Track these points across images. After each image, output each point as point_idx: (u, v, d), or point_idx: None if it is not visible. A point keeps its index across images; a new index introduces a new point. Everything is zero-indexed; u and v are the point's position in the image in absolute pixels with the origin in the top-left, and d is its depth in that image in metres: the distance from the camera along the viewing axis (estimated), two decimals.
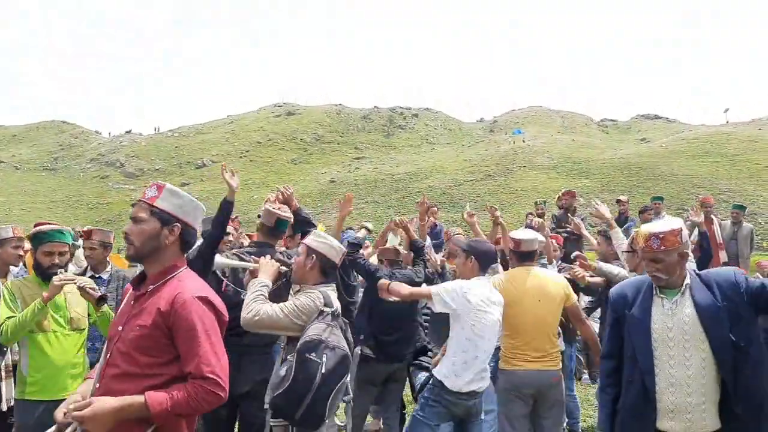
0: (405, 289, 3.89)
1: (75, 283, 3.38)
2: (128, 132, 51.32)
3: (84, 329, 3.62)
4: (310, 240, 3.24)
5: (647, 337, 2.86)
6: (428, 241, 5.43)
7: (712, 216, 8.93)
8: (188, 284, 2.22)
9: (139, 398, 2.02)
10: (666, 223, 2.93)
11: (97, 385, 2.17)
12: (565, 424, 4.87)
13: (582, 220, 9.24)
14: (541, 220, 7.35)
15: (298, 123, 46.58)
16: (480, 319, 3.68)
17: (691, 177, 25.32)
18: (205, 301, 2.19)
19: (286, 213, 3.93)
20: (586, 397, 6.06)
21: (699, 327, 2.73)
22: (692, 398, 2.74)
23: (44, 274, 3.49)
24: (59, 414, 2.17)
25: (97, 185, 38.18)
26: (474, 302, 3.66)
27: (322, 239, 3.30)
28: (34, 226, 3.81)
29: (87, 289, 3.37)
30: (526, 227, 5.68)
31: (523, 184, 27.64)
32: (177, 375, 2.13)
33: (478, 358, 3.69)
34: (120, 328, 2.20)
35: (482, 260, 3.86)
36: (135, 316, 2.18)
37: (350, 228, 8.10)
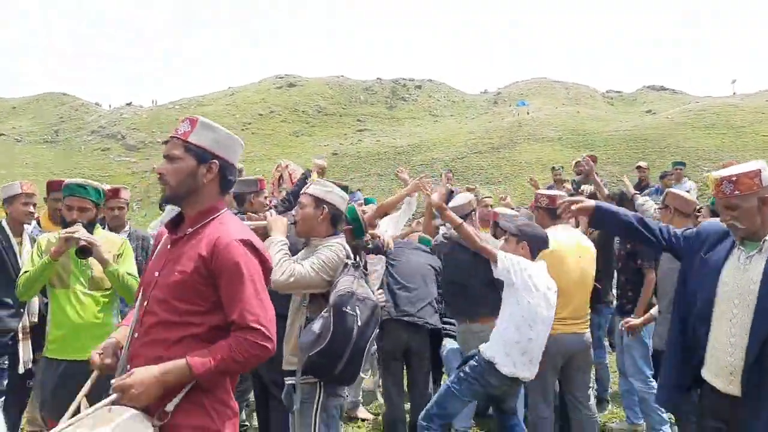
0: (478, 237, 3.80)
1: (74, 232, 3.23)
2: (129, 104, 50.87)
3: (108, 289, 3.49)
4: (316, 190, 3.06)
5: (713, 286, 2.67)
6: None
7: None
8: (231, 227, 2.07)
9: (180, 362, 1.88)
10: (742, 165, 2.66)
11: (136, 335, 2.03)
12: (593, 392, 4.84)
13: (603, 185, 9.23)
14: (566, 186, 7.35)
15: (299, 95, 46.14)
16: (540, 300, 3.56)
17: (697, 149, 25.08)
18: (249, 244, 2.05)
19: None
20: (610, 364, 5.98)
21: (759, 289, 2.51)
22: (733, 358, 2.61)
23: (66, 228, 3.38)
24: (95, 357, 2.06)
25: (98, 158, 38.04)
26: (535, 282, 3.56)
27: (329, 188, 3.14)
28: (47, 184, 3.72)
29: (80, 238, 3.19)
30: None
31: (527, 156, 27.43)
32: (220, 324, 1.99)
33: (531, 341, 3.54)
34: (156, 273, 2.06)
35: (534, 245, 3.74)
36: (173, 261, 2.05)
37: (358, 190, 8.13)
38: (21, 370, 4.00)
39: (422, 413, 3.79)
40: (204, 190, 2.10)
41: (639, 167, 10.28)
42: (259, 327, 1.96)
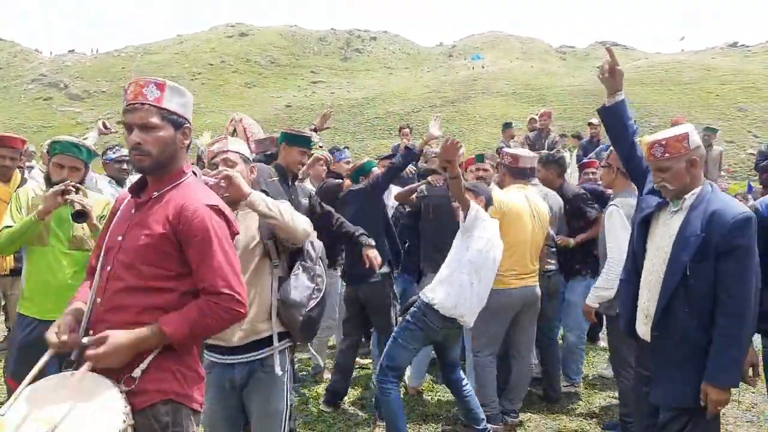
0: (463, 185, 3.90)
1: (69, 193, 3.12)
2: (71, 51, 48.52)
3: (88, 250, 3.34)
4: (242, 147, 2.90)
5: (643, 239, 2.88)
6: None
7: None
8: (197, 191, 2.07)
9: (153, 327, 1.87)
10: (671, 129, 2.79)
11: (98, 300, 1.98)
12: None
13: (555, 142, 9.25)
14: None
15: (251, 44, 44.83)
16: (489, 251, 3.73)
17: (646, 105, 25.68)
18: (217, 210, 2.05)
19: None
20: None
21: (671, 246, 2.69)
22: (648, 304, 2.82)
23: (53, 186, 3.23)
24: (51, 335, 1.97)
25: (40, 107, 36.38)
26: (489, 234, 3.75)
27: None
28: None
29: (75, 201, 3.09)
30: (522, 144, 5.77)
31: (482, 110, 27.57)
32: (189, 290, 1.98)
33: (473, 286, 3.69)
34: (120, 237, 2.01)
35: (488, 202, 4.03)
36: (138, 225, 2.01)
37: (346, 147, 8.05)
38: None
39: (377, 369, 3.92)
40: (178, 155, 2.09)
41: (590, 124, 10.44)
42: (230, 292, 1.97)
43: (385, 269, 4.60)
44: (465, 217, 3.77)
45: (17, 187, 4.40)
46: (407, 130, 9.90)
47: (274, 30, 48.08)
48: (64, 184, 3.16)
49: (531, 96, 29.02)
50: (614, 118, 3.14)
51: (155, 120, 2.00)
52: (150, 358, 1.93)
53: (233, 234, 2.11)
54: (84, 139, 4.52)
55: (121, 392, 1.87)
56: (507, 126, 10.99)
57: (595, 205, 5.22)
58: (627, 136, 3.10)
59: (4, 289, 5.16)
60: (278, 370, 2.64)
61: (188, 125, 2.11)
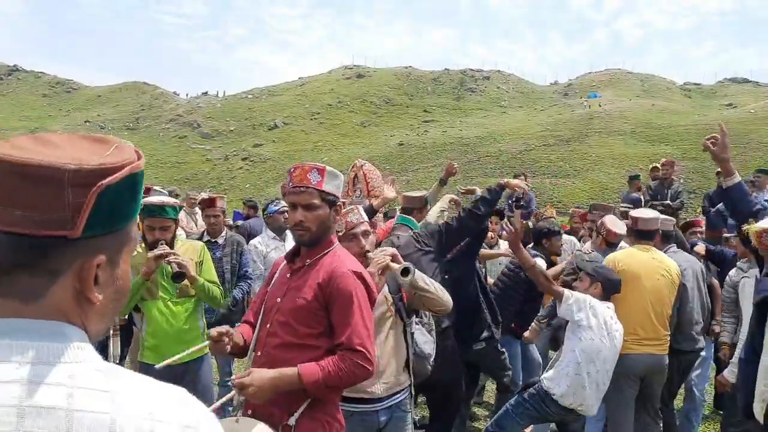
0: (547, 277, 3.93)
1: (167, 256, 3.40)
2: (204, 93, 52.74)
3: (194, 296, 3.67)
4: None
5: (761, 322, 2.88)
6: None
7: None
8: (344, 259, 2.33)
9: (292, 370, 2.11)
10: None
11: (258, 353, 2.30)
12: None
13: (678, 193, 8.69)
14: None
15: (367, 85, 46.53)
16: (602, 337, 3.66)
17: None
18: (360, 276, 2.29)
19: None
20: None
21: None
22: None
23: (150, 246, 3.55)
24: (213, 332, 2.25)
25: (175, 145, 39.55)
26: (600, 320, 3.67)
27: None
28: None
29: (172, 262, 3.38)
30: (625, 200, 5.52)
31: (598, 150, 26.69)
32: (332, 347, 2.22)
33: (590, 375, 3.66)
34: (279, 299, 2.32)
35: (607, 288, 3.84)
36: (295, 289, 2.29)
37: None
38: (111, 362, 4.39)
39: (484, 429, 4.03)
40: (331, 229, 2.38)
41: (654, 167, 9.63)
42: (362, 350, 2.18)
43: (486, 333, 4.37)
44: (560, 307, 3.75)
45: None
46: (523, 176, 9.41)
47: (390, 71, 49.69)
48: (161, 249, 3.43)
49: (651, 135, 27.78)
50: (736, 198, 3.17)
51: (316, 201, 2.28)
52: (303, 406, 2.16)
53: (372, 300, 2.34)
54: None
55: None
56: (634, 178, 10.28)
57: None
58: (749, 214, 3.10)
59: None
60: (411, 410, 2.98)
61: (340, 203, 2.39)
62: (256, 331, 2.39)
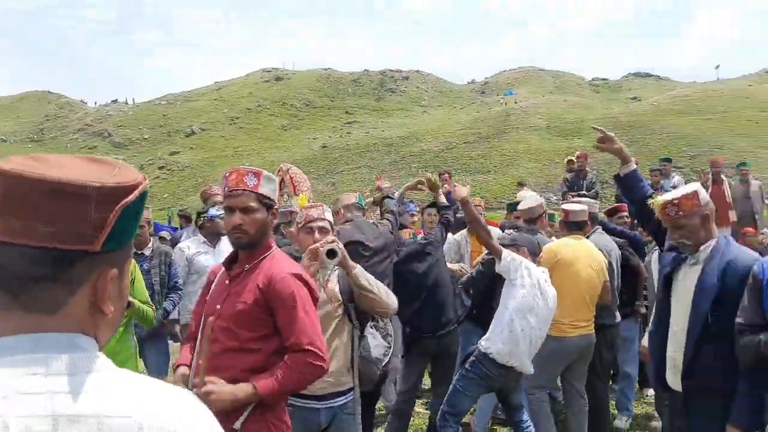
0: (488, 232, 4.16)
1: None
2: (114, 101, 50.60)
3: (126, 315, 3.63)
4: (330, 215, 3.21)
5: (666, 294, 3.01)
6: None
7: (723, 177, 8.85)
8: (283, 263, 2.34)
9: (248, 386, 2.13)
10: (680, 189, 2.99)
11: (199, 362, 2.26)
12: None
13: (593, 183, 9.11)
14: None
15: (287, 88, 46.08)
16: (535, 295, 3.82)
17: (683, 135, 25.33)
18: (300, 278, 2.30)
19: None
20: None
21: (692, 298, 2.82)
22: (676, 355, 2.90)
23: None
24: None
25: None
26: (533, 280, 3.84)
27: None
28: None
29: None
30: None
31: (516, 145, 27.59)
32: (276, 349, 2.25)
33: (524, 332, 3.81)
34: (218, 306, 2.31)
35: (531, 249, 4.11)
36: (234, 294, 2.30)
37: (410, 201, 8.00)
38: None
39: (438, 414, 4.05)
40: (268, 233, 2.39)
41: (570, 160, 9.95)
42: (313, 349, 2.21)
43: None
44: (500, 264, 3.89)
45: None
46: (447, 175, 9.75)
47: (309, 73, 49.37)
48: None
49: (565, 129, 28.97)
50: (630, 184, 3.35)
51: (254, 204, 2.28)
52: (247, 411, 2.16)
53: (315, 299, 2.36)
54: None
55: None
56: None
57: (634, 253, 5.16)
58: (642, 199, 3.27)
59: None
60: (357, 413, 2.98)
61: (276, 207, 2.39)
62: (198, 339, 2.37)
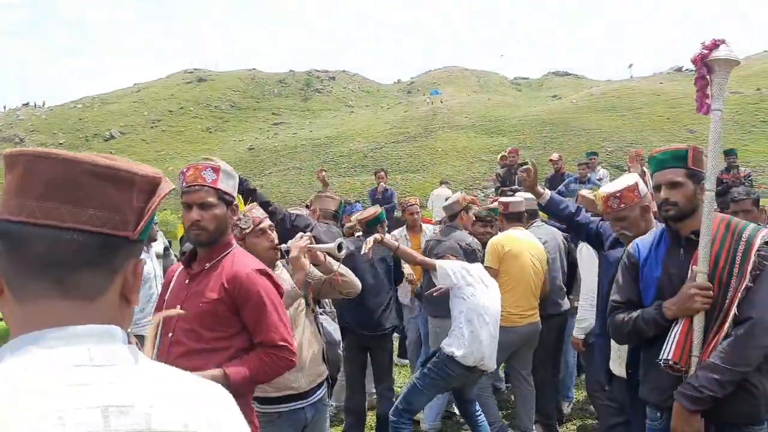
0: (415, 254, 4.25)
1: None
2: (25, 105, 47.85)
3: None
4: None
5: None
6: None
7: (644, 168, 9.31)
8: (245, 260, 2.30)
9: (218, 371, 2.09)
10: (621, 181, 3.01)
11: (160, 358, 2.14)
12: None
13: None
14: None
15: (211, 89, 44.94)
16: (480, 291, 3.89)
17: (600, 131, 26.43)
18: (265, 273, 2.29)
19: None
20: None
21: None
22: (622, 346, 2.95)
23: None
24: None
25: None
26: (475, 277, 3.92)
27: None
28: None
29: None
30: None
31: (443, 144, 28.01)
32: (244, 347, 2.23)
33: (482, 329, 3.88)
34: (178, 307, 2.24)
35: (460, 254, 4.32)
36: (196, 294, 2.24)
37: (357, 201, 7.98)
38: None
39: (392, 409, 4.10)
40: (227, 230, 2.34)
41: (551, 161, 10.59)
42: (284, 344, 2.22)
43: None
44: (437, 278, 3.97)
45: None
46: (383, 173, 10.01)
47: (233, 74, 48.33)
48: None
49: (490, 128, 29.63)
50: (552, 209, 3.68)
51: (212, 199, 2.24)
52: None
53: (280, 293, 2.35)
54: None
55: None
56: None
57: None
58: (568, 216, 3.60)
59: None
60: (329, 403, 3.09)
61: (236, 203, 2.36)
62: (156, 342, 2.25)
